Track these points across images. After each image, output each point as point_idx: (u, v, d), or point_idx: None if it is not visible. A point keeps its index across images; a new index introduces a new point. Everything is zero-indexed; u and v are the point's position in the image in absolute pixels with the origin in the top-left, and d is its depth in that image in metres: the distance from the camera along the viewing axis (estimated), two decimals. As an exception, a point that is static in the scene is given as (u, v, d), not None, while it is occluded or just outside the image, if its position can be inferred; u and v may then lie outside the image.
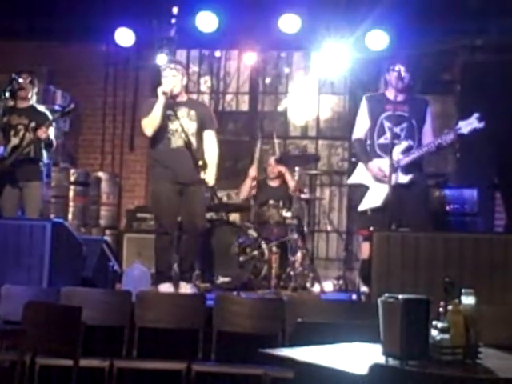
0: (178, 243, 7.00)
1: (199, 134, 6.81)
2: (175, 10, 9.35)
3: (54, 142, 7.47)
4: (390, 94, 6.62)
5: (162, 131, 6.70)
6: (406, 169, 6.44)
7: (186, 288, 6.73)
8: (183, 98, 6.90)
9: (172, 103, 6.73)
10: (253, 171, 8.69)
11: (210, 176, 6.74)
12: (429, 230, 6.22)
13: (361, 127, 6.77)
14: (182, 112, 6.75)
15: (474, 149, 8.42)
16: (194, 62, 11.25)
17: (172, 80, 6.74)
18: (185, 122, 6.70)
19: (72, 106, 7.45)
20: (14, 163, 7.24)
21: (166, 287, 6.71)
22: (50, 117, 7.43)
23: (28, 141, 7.26)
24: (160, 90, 6.64)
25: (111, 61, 10.56)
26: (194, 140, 6.72)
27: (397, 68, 6.49)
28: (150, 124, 6.68)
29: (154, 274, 7.02)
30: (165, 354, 5.48)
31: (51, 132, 7.31)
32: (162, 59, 9.81)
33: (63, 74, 10.37)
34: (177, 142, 6.70)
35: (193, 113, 6.79)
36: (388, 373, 2.71)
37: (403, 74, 6.51)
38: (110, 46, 9.96)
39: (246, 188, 8.75)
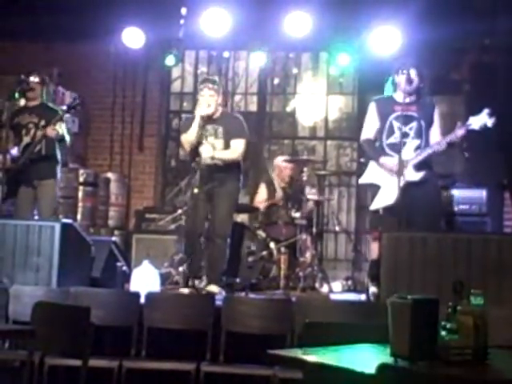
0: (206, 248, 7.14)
1: (227, 148, 7.07)
2: (184, 10, 9.36)
3: (67, 138, 7.48)
4: (399, 96, 6.61)
5: (196, 148, 7.06)
6: (418, 167, 6.45)
7: (215, 289, 6.85)
8: (217, 114, 7.10)
9: (203, 122, 6.98)
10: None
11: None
12: (438, 230, 6.21)
13: (369, 128, 6.76)
14: (210, 131, 7.01)
15: (482, 149, 8.41)
16: (203, 62, 11.27)
17: (209, 100, 6.99)
18: (212, 141, 6.97)
19: (77, 100, 7.44)
20: (27, 162, 7.27)
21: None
22: (60, 113, 7.46)
23: (39, 138, 7.28)
24: (198, 113, 6.95)
25: (120, 61, 10.58)
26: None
27: (405, 71, 6.48)
28: (187, 141, 7.08)
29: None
30: (173, 355, 5.49)
31: (61, 128, 7.32)
32: (170, 60, 9.84)
33: (72, 75, 10.38)
34: (205, 160, 6.95)
35: (220, 130, 7.04)
36: (396, 373, 2.71)
37: (413, 77, 6.51)
38: (118, 46, 9.98)
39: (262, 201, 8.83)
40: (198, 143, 7.00)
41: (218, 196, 6.96)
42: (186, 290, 6.79)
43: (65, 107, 7.64)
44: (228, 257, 7.10)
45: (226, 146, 7.03)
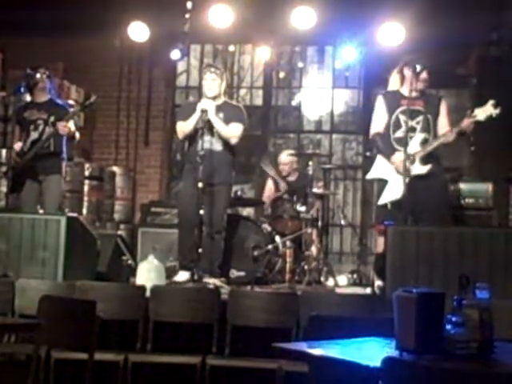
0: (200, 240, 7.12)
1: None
2: (189, 4, 9.34)
3: (77, 135, 7.49)
4: (406, 90, 6.61)
5: (190, 139, 7.12)
6: (424, 160, 6.44)
7: (209, 284, 6.86)
8: (220, 100, 7.14)
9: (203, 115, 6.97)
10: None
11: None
12: (444, 224, 6.21)
13: (379, 122, 6.75)
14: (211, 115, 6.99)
15: (489, 142, 8.39)
16: (208, 56, 11.26)
17: (211, 84, 7.04)
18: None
19: (93, 98, 7.43)
20: (34, 157, 7.27)
21: (182, 276, 6.94)
22: (69, 110, 7.45)
23: (48, 135, 7.28)
24: (199, 107, 6.96)
25: (125, 56, 10.59)
26: (219, 142, 7.06)
27: (418, 68, 6.46)
28: (182, 130, 7.14)
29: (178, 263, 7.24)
30: (179, 348, 5.50)
31: (72, 125, 7.34)
32: (175, 54, 9.83)
33: (77, 69, 10.40)
34: (203, 145, 6.92)
35: (221, 115, 7.06)
36: (402, 367, 2.71)
37: (423, 75, 6.51)
38: (124, 41, 9.98)
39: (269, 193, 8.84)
40: (193, 135, 7.02)
41: (214, 188, 6.99)
42: (181, 279, 6.87)
43: (76, 106, 7.64)
44: (223, 248, 7.23)
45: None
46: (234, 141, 7.12)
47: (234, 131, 7.08)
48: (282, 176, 8.83)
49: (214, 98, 7.05)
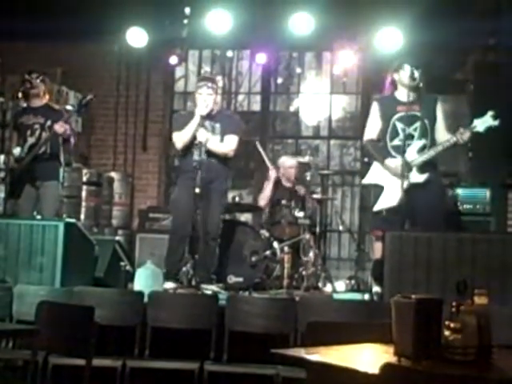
0: (194, 247, 7.10)
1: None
2: (187, 10, 9.36)
3: (72, 138, 7.47)
4: (401, 94, 6.59)
5: (188, 148, 7.04)
6: (422, 168, 6.42)
7: (206, 290, 6.86)
8: (214, 111, 7.11)
9: (202, 121, 6.97)
10: (273, 173, 8.70)
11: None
12: (441, 230, 6.20)
13: (372, 128, 6.73)
14: (208, 127, 6.99)
15: (486, 148, 8.39)
16: (206, 62, 11.28)
17: (207, 99, 6.97)
18: (208, 137, 6.92)
19: (89, 97, 7.41)
20: (31, 162, 7.26)
21: (167, 285, 6.87)
22: (66, 114, 7.44)
23: (45, 139, 7.28)
24: (198, 112, 6.93)
25: (124, 61, 10.60)
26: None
27: (407, 67, 6.47)
28: (181, 139, 7.05)
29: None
30: (177, 354, 5.49)
31: (68, 127, 7.33)
32: (173, 59, 9.84)
33: (76, 74, 10.41)
34: (201, 153, 6.94)
35: (217, 125, 7.05)
36: (400, 373, 2.70)
37: (415, 73, 6.48)
38: (122, 46, 9.99)
39: (267, 194, 8.72)
40: (191, 142, 6.99)
41: (210, 196, 6.96)
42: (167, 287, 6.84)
43: (70, 106, 7.63)
44: (218, 255, 7.20)
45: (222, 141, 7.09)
46: (230, 154, 7.12)
47: (229, 145, 7.05)
48: (291, 182, 8.81)
49: (211, 113, 7.02)
